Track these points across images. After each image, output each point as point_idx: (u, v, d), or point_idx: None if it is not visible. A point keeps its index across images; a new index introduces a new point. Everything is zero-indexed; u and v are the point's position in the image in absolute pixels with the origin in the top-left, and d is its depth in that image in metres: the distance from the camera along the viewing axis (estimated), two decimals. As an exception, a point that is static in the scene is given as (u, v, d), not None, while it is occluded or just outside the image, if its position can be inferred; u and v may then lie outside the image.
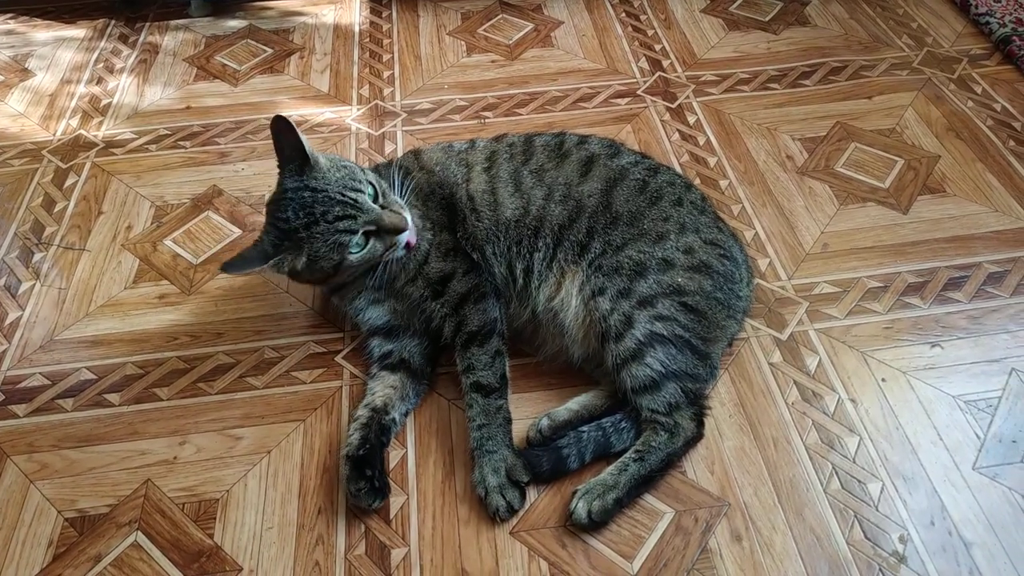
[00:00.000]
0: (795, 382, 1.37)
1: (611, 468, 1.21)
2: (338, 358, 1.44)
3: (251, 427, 1.34)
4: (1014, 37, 2.08)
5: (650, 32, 2.26)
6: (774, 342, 1.43)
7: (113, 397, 1.39)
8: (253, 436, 1.33)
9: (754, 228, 1.65)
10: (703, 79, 2.07)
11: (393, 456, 1.29)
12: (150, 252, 1.66)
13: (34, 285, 1.60)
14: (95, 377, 1.43)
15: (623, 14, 2.34)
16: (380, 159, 1.83)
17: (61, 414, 1.37)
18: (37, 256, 1.66)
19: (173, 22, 2.40)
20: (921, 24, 2.24)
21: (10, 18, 2.45)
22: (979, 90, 1.98)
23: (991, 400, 1.33)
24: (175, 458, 1.30)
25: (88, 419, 1.36)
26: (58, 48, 2.31)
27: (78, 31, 2.38)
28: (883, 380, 1.36)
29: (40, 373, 1.44)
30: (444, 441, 1.31)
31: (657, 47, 2.20)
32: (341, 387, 1.39)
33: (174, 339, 1.48)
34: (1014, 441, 1.28)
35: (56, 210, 1.77)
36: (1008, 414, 1.31)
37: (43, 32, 2.38)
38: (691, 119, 1.94)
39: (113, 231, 1.71)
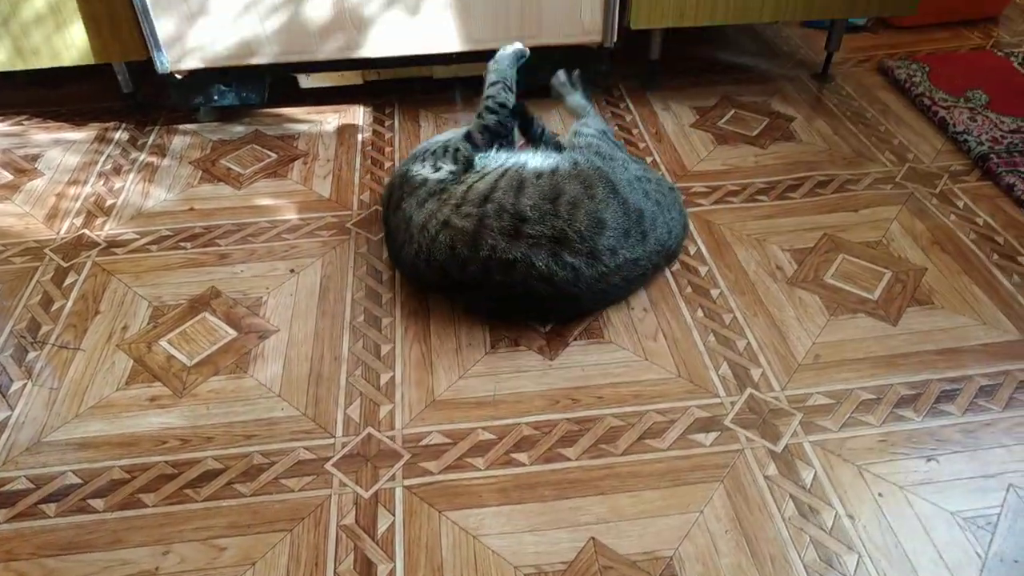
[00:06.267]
0: (791, 496, 1.35)
1: None
2: (327, 465, 1.42)
3: (236, 536, 1.31)
4: (991, 155, 2.16)
5: (641, 145, 2.34)
6: (769, 455, 1.42)
7: (97, 503, 1.36)
8: (238, 546, 1.29)
9: (746, 338, 1.66)
10: (693, 190, 2.13)
11: (381, 571, 1.26)
12: (144, 353, 1.66)
13: (26, 384, 1.59)
14: (80, 481, 1.40)
15: (608, 115, 2.43)
16: (378, 264, 1.87)
17: (43, 519, 1.34)
18: (31, 355, 1.66)
19: (181, 126, 2.48)
20: (902, 141, 2.33)
21: (24, 119, 2.53)
22: (961, 204, 2.05)
23: (990, 517, 1.31)
24: (157, 568, 1.26)
25: (70, 525, 1.33)
26: (67, 149, 2.37)
27: (87, 133, 2.46)
28: (880, 495, 1.35)
29: (25, 476, 1.41)
30: (434, 557, 1.28)
31: (648, 160, 2.27)
32: (330, 496, 1.37)
33: (163, 443, 1.47)
34: (1016, 561, 1.25)
35: (53, 308, 1.78)
36: (1008, 532, 1.29)
37: (53, 133, 2.46)
38: (683, 228, 1.98)
39: (109, 330, 1.72)
